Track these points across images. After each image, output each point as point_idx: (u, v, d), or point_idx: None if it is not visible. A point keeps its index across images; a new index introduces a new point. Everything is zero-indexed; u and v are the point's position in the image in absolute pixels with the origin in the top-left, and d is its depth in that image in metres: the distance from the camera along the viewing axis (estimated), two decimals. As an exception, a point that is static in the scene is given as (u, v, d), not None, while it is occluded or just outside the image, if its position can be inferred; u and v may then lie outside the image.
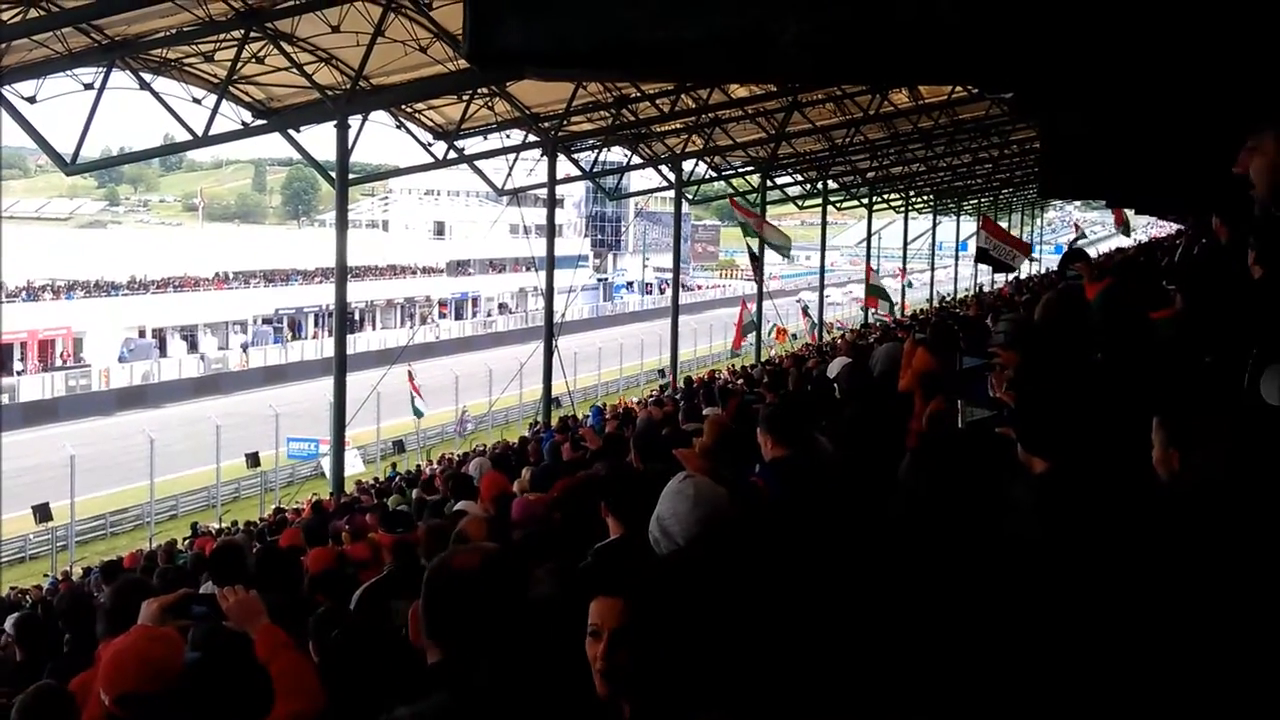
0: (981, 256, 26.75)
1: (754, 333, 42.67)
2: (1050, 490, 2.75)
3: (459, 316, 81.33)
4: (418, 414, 40.29)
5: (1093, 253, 18.24)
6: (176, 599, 4.24)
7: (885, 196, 59.03)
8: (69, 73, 22.16)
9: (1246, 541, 2.45)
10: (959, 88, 31.12)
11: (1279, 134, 2.61)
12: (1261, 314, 3.04)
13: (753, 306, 42.40)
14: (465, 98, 27.71)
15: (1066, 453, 2.79)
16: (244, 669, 3.89)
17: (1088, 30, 2.55)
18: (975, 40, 2.56)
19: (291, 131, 26.82)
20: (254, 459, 36.81)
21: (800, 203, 53.27)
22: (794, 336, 51.62)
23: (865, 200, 56.35)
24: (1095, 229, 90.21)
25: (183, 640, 3.94)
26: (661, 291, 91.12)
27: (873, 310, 46.84)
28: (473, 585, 2.55)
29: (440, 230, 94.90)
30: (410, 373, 38.30)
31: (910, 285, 62.79)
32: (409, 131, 30.22)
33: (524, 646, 2.54)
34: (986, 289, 43.95)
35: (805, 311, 53.59)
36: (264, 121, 26.70)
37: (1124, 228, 50.18)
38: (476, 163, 32.14)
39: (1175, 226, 27.18)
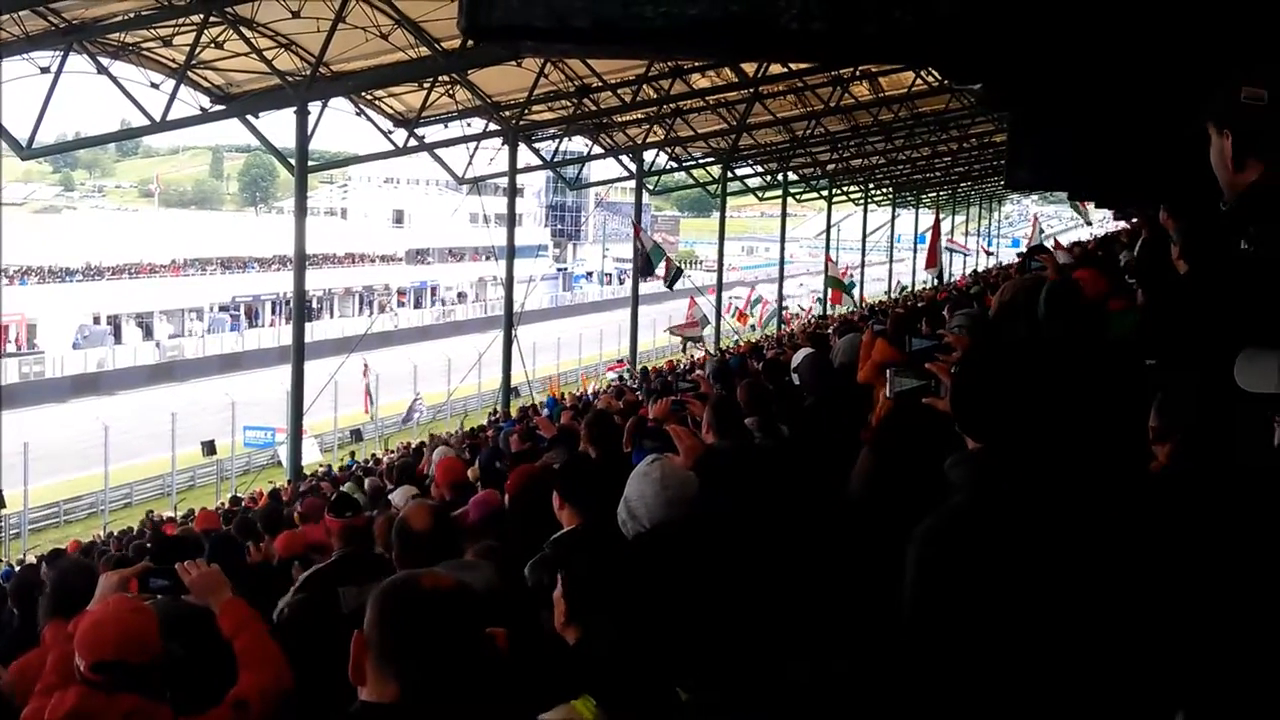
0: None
1: (709, 325, 42.66)
2: (983, 468, 2.74)
3: (418, 305, 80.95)
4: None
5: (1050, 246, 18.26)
6: (135, 573, 4.22)
7: (845, 189, 59.27)
8: (25, 56, 21.93)
9: (1214, 531, 2.47)
10: (919, 81, 31.26)
11: (1214, 120, 2.54)
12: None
13: (701, 301, 42.34)
14: (426, 85, 27.60)
15: (1000, 434, 2.78)
16: (208, 643, 3.89)
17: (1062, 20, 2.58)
18: (965, 28, 2.58)
19: (250, 118, 26.60)
20: (210, 447, 36.58)
21: (760, 194, 53.44)
22: (752, 327, 51.74)
23: (825, 192, 56.60)
24: (1052, 223, 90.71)
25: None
26: (621, 282, 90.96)
27: (834, 304, 47.03)
28: (442, 609, 2.28)
29: (399, 218, 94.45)
30: (365, 368, 38.15)
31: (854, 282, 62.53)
32: (369, 119, 30.08)
33: (486, 682, 2.31)
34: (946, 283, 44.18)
35: (742, 313, 53.30)
36: (223, 107, 26.45)
37: (1084, 217, 50.75)
38: (437, 151, 32.01)
39: (1125, 223, 27.35)
